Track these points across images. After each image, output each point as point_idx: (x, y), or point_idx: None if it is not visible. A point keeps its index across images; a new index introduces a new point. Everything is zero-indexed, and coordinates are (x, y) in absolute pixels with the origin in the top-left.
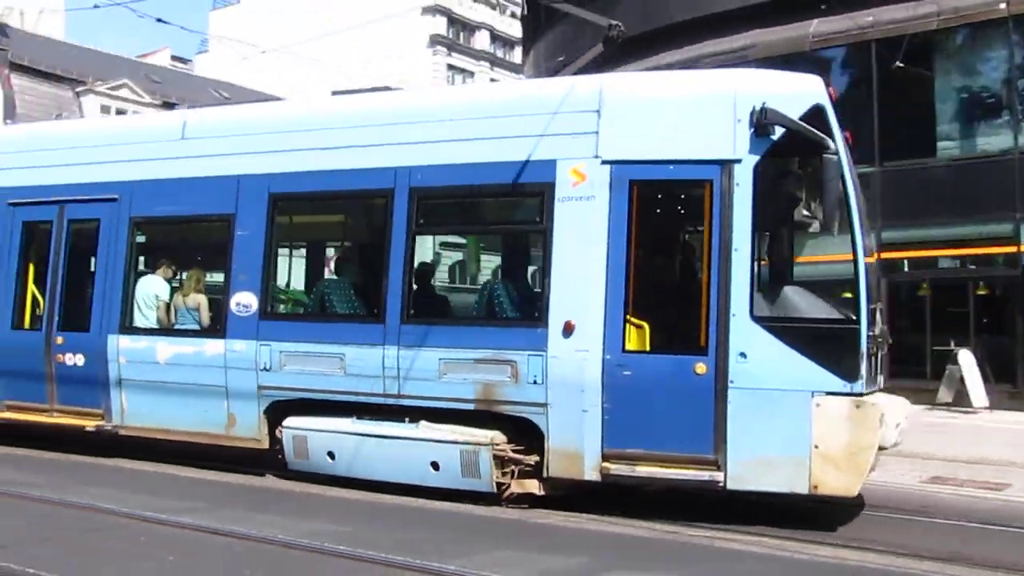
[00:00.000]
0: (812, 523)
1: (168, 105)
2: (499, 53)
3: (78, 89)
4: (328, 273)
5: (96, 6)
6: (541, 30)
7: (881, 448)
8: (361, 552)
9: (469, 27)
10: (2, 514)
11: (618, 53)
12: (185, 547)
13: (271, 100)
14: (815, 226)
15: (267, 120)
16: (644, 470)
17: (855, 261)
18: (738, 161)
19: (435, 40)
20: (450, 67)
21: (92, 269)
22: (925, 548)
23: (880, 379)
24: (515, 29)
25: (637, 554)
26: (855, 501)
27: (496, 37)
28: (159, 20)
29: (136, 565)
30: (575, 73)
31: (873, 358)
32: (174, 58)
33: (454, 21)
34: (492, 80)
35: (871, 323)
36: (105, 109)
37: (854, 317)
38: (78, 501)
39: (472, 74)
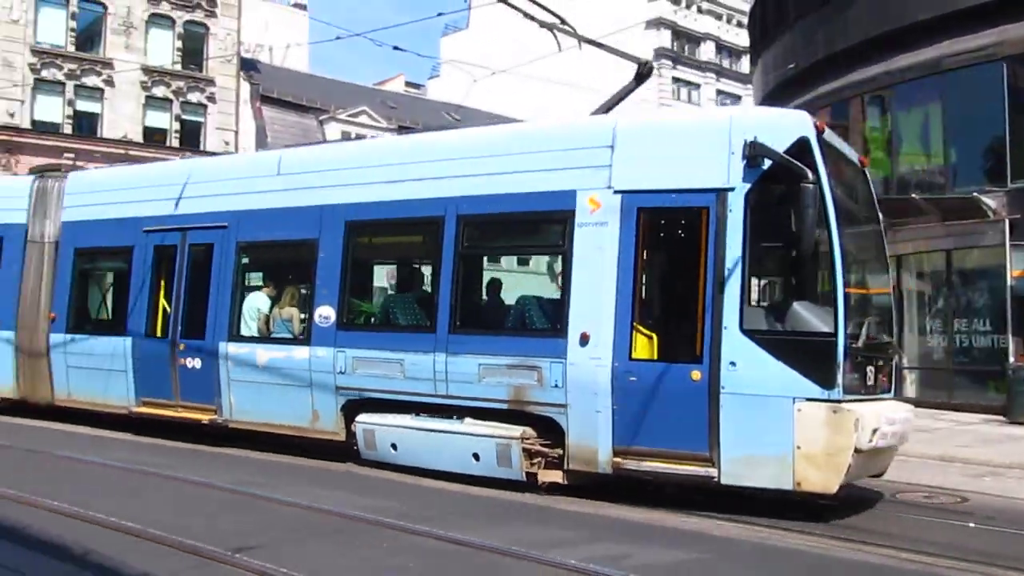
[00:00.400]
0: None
1: (404, 129)
2: (725, 63)
3: (321, 117)
4: (391, 289)
5: (338, 37)
6: (769, 38)
7: (857, 451)
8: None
9: (694, 39)
10: (237, 511)
11: (853, 58)
12: (427, 554)
13: (500, 121)
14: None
15: (342, 157)
16: (649, 465)
17: (833, 281)
18: (731, 189)
19: (659, 54)
20: (675, 80)
21: (207, 285)
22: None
23: (884, 385)
24: (741, 39)
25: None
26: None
27: (722, 47)
28: (396, 48)
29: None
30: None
31: (870, 367)
32: (408, 84)
33: (679, 34)
34: (719, 92)
35: (857, 337)
36: (346, 135)
37: (831, 331)
38: (299, 502)
39: (698, 86)
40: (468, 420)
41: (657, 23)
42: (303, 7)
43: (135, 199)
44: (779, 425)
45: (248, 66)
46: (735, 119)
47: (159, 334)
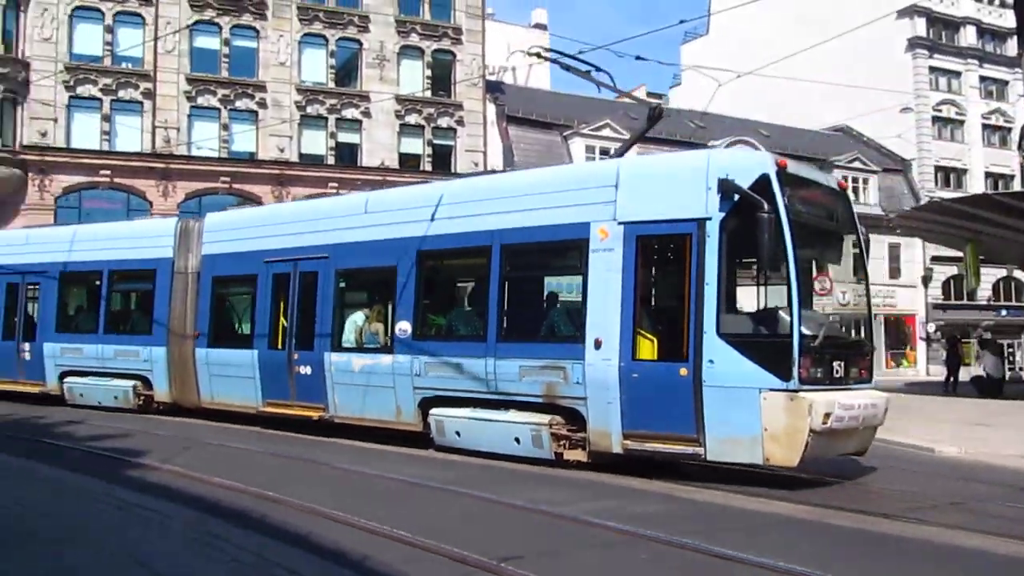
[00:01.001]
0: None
1: (647, 140)
2: (988, 48)
3: (565, 133)
4: (453, 306)
5: (580, 52)
6: None
7: (813, 431)
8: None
9: (952, 24)
10: (467, 514)
11: None
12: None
13: (747, 125)
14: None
15: (412, 198)
16: (651, 446)
17: (789, 292)
18: (709, 219)
19: (914, 43)
20: (932, 69)
21: (314, 306)
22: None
23: (859, 376)
24: (1006, 19)
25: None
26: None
27: (984, 31)
28: (637, 58)
29: None
30: None
31: (836, 362)
32: (649, 94)
33: (934, 20)
34: (982, 78)
35: (815, 337)
36: (589, 149)
37: (787, 334)
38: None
39: (958, 75)
40: (512, 411)
41: (911, 11)
42: (543, 27)
43: (257, 235)
44: (749, 411)
45: (493, 88)
46: (712, 160)
47: (279, 347)
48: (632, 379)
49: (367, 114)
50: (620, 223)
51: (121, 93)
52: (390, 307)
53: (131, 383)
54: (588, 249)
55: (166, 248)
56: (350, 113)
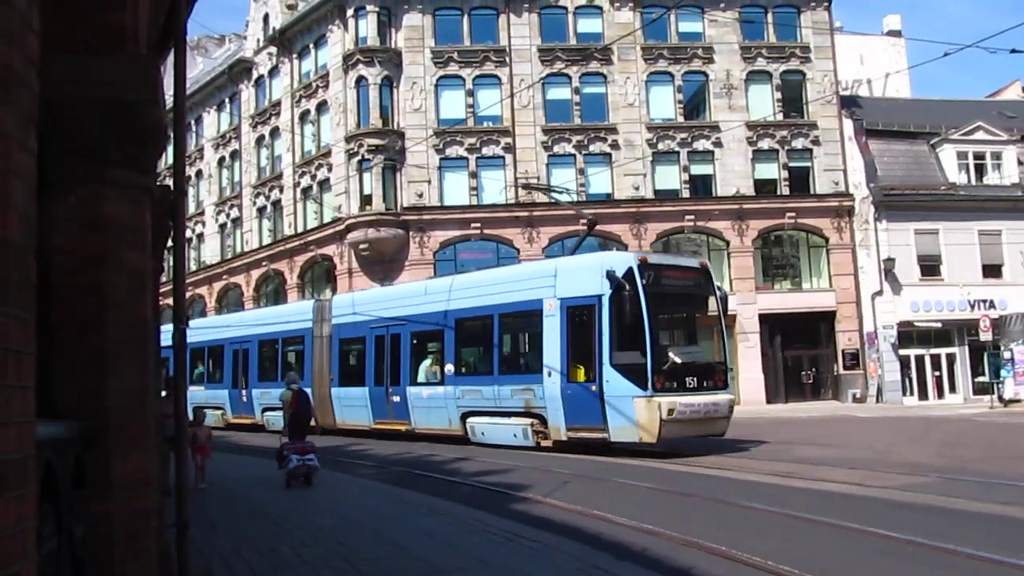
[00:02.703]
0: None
1: None
2: None
3: (932, 142)
4: (474, 353)
5: (946, 54)
6: None
7: (663, 420)
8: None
9: None
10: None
11: None
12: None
13: None
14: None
15: (451, 285)
16: (582, 434)
17: (643, 337)
18: (603, 295)
19: None
20: None
21: (399, 356)
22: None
23: (714, 385)
24: None
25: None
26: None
27: None
28: (1012, 51)
29: None
30: None
31: (688, 377)
32: None
33: None
34: None
35: (664, 362)
36: (961, 155)
37: (643, 363)
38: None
39: None
40: (510, 418)
41: None
42: (897, 33)
43: (364, 310)
44: (628, 410)
45: (848, 103)
46: (603, 260)
47: (379, 384)
48: (568, 394)
49: (718, 144)
50: (558, 298)
51: (485, 150)
52: (441, 355)
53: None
54: (543, 315)
55: (307, 321)
56: (701, 145)
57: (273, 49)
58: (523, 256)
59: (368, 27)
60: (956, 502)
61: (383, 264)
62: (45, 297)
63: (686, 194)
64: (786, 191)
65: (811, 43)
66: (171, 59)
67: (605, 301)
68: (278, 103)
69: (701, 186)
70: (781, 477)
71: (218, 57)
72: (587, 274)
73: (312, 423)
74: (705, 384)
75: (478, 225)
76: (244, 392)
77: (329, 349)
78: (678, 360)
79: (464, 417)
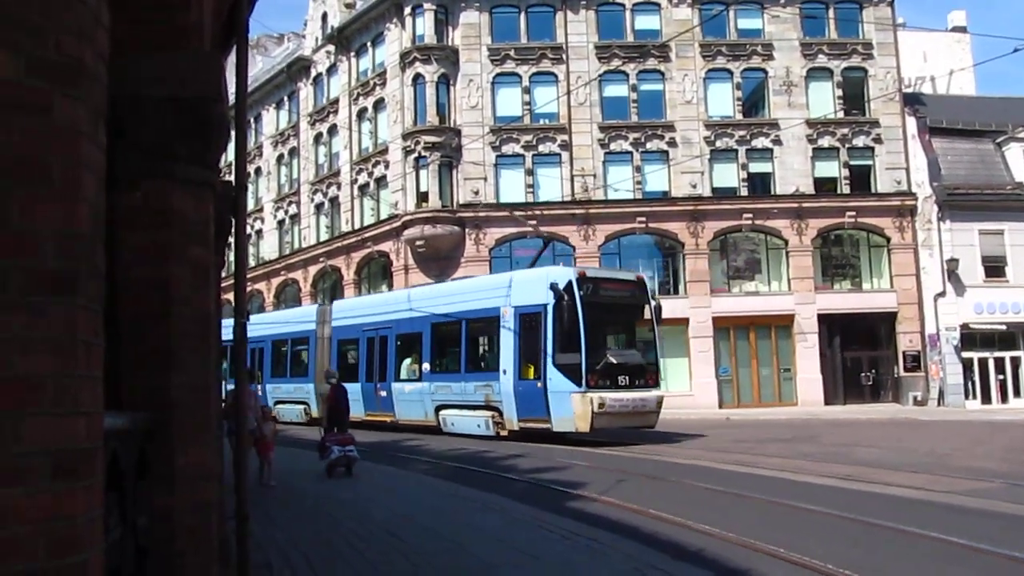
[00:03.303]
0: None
1: None
2: None
3: (999, 140)
4: (447, 353)
5: (1015, 50)
6: None
7: (595, 413)
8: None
9: None
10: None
11: None
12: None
13: None
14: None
15: (427, 293)
16: (531, 425)
17: (579, 341)
18: (548, 304)
19: None
20: None
21: (386, 355)
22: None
23: (646, 383)
24: None
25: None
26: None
27: None
28: None
29: None
30: None
31: (620, 376)
32: None
33: None
34: None
35: (598, 363)
36: None
37: (579, 363)
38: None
39: None
40: (475, 411)
41: None
42: (962, 29)
43: (358, 315)
44: (567, 403)
45: (911, 100)
46: (548, 273)
47: (369, 380)
48: (520, 390)
49: (778, 142)
50: (512, 307)
51: (541, 148)
52: (420, 354)
53: (302, 406)
54: (499, 321)
55: (311, 324)
56: (760, 143)
57: (331, 47)
58: (579, 254)
59: (425, 25)
60: (1023, 508)
61: (439, 261)
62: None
63: (744, 192)
64: (847, 190)
65: (873, 39)
66: (233, 57)
67: (549, 310)
68: (336, 101)
69: (760, 184)
70: (840, 480)
71: (277, 56)
72: (535, 286)
73: (313, 414)
74: (636, 382)
75: (534, 222)
76: (259, 387)
77: (329, 349)
78: (612, 361)
79: (438, 410)
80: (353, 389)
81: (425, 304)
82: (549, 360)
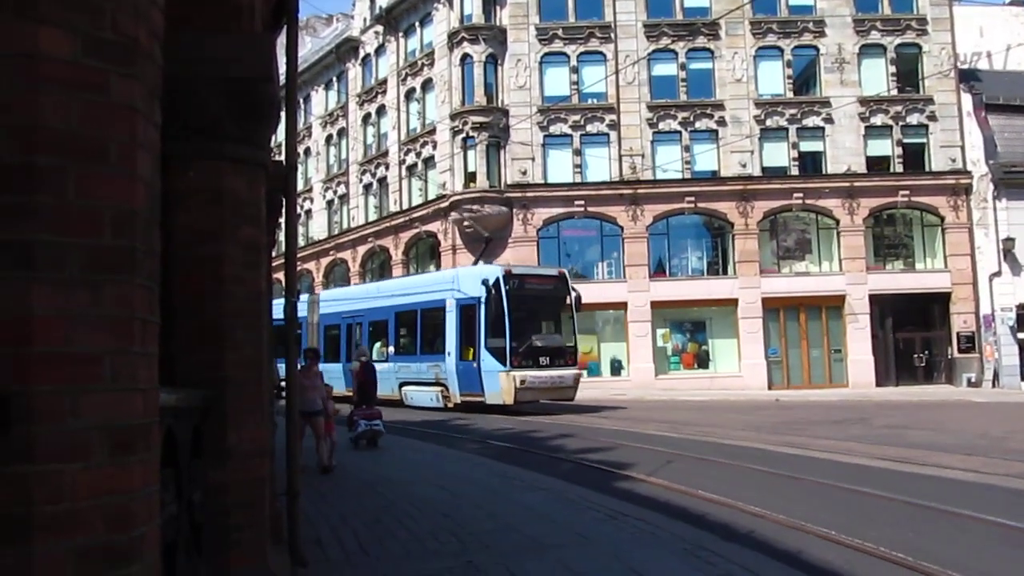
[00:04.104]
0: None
1: None
2: None
3: None
4: (407, 338)
5: None
6: None
7: (517, 388)
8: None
9: None
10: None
11: None
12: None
13: None
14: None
15: (391, 286)
16: (469, 399)
17: (504, 327)
18: (481, 296)
19: None
20: None
21: (361, 339)
22: None
23: (564, 363)
24: None
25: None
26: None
27: None
28: None
29: None
30: None
31: (542, 357)
32: None
33: None
34: None
35: (520, 346)
36: None
37: (504, 346)
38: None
39: None
40: (428, 387)
41: None
42: (1020, 3)
43: (340, 304)
44: (496, 381)
45: (967, 77)
46: (482, 271)
47: (349, 360)
48: (460, 369)
49: (829, 120)
50: (455, 299)
51: (589, 127)
52: (387, 339)
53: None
54: (445, 311)
55: (304, 311)
56: (811, 121)
57: (379, 28)
58: (627, 234)
59: (473, 5)
60: None
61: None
62: (165, 270)
63: (795, 172)
64: (900, 168)
65: (928, 15)
66: (283, 37)
67: (483, 302)
68: (384, 81)
69: (810, 163)
70: (892, 462)
71: (326, 37)
72: (473, 281)
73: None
74: (556, 362)
75: (582, 203)
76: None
77: (317, 333)
78: (534, 344)
79: (400, 386)
80: (336, 369)
81: (391, 296)
82: (482, 344)
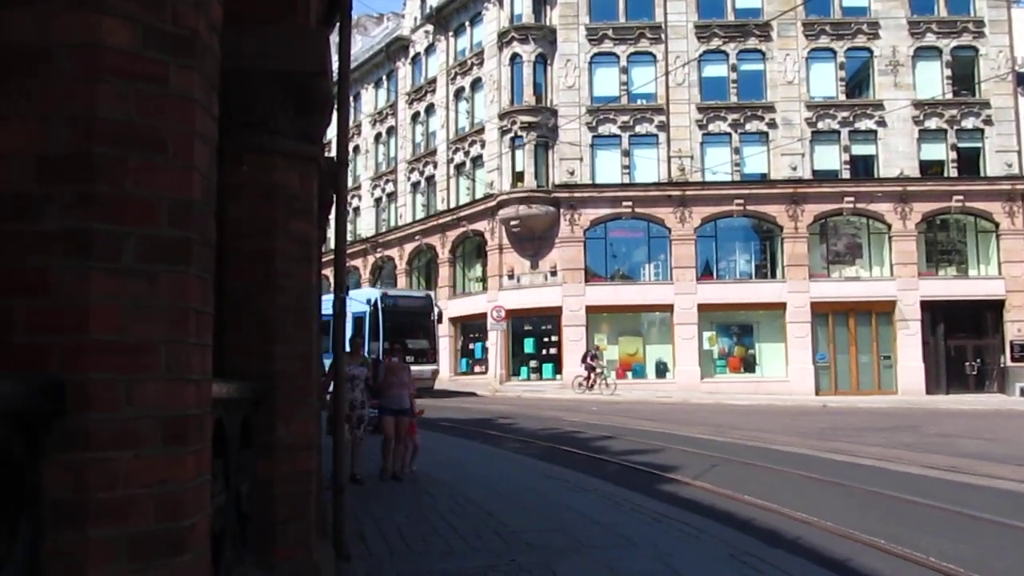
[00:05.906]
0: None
1: None
2: None
3: None
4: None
5: None
6: None
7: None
8: None
9: None
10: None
11: None
12: None
13: None
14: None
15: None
16: None
17: (380, 336)
18: (366, 312)
19: None
20: None
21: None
22: None
23: (427, 360)
24: None
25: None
26: None
27: None
28: None
29: None
30: None
31: (405, 356)
32: None
33: None
34: None
35: (392, 347)
36: None
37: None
38: None
39: None
40: None
41: None
42: None
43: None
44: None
45: None
46: (368, 293)
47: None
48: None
49: (882, 123)
50: (351, 312)
51: (638, 128)
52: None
53: None
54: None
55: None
56: (863, 124)
57: (430, 27)
58: (675, 236)
59: (523, 4)
60: None
61: (533, 241)
62: (217, 263)
63: (846, 175)
64: (954, 173)
65: (985, 17)
66: (335, 35)
67: (368, 315)
68: (433, 80)
69: (862, 167)
70: (942, 471)
71: (376, 35)
72: (362, 300)
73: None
74: (419, 360)
75: (629, 204)
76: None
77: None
78: (405, 345)
79: None
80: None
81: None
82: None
